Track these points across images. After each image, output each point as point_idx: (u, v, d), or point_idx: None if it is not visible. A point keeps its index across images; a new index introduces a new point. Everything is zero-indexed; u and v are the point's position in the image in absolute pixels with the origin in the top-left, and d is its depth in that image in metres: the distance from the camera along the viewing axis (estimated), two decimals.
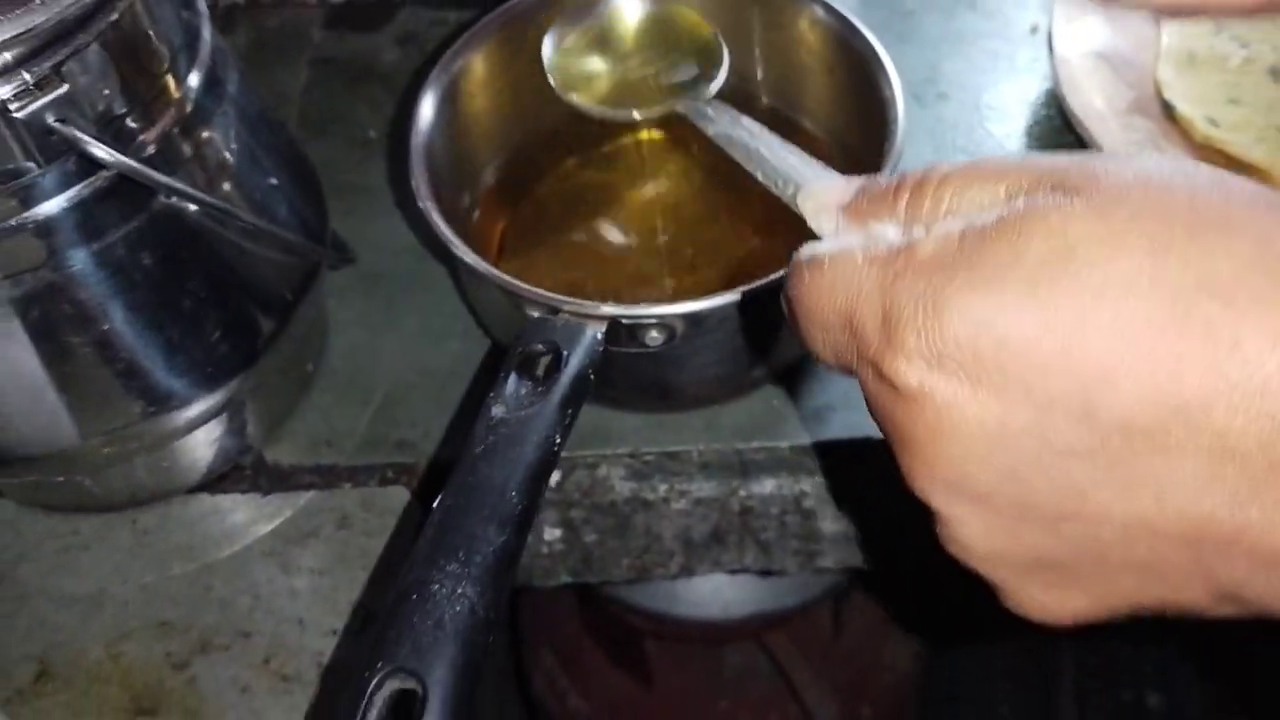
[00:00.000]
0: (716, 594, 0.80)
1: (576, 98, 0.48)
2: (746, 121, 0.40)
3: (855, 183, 0.31)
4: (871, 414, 0.28)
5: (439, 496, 0.37)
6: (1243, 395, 0.23)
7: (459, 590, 0.34)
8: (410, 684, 0.33)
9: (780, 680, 0.92)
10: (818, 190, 0.31)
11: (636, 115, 0.47)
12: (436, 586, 0.34)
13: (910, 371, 0.25)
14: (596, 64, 0.49)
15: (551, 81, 0.49)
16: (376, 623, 0.34)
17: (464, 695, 0.33)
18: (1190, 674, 1.07)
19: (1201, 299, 0.23)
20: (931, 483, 0.27)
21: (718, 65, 0.46)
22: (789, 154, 0.36)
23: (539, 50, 0.54)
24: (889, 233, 0.28)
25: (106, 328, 0.43)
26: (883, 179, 0.29)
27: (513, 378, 0.40)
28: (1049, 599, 0.28)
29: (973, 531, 0.27)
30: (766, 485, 0.52)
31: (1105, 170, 0.25)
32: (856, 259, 0.27)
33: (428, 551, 0.35)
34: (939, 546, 0.28)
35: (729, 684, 0.94)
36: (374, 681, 0.33)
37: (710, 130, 0.42)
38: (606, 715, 0.94)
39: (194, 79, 0.43)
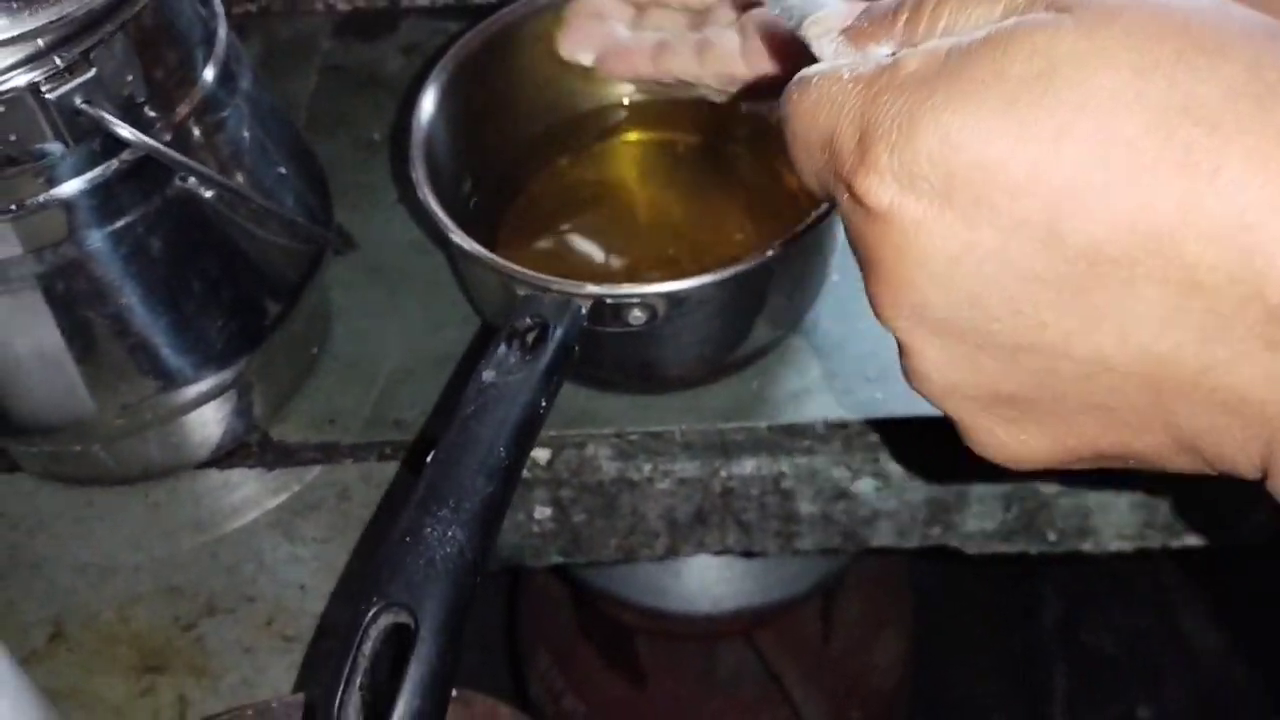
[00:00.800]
0: (706, 590, 0.83)
1: None
2: None
3: (859, 6, 0.30)
4: (848, 238, 0.28)
5: (432, 452, 0.40)
6: (1217, 226, 0.22)
7: (449, 534, 0.37)
8: (403, 618, 0.36)
9: (771, 682, 0.94)
10: (823, 15, 0.31)
11: None
12: (429, 530, 0.37)
13: (881, 190, 0.25)
14: None
15: None
16: (372, 564, 0.37)
17: (453, 629, 0.36)
18: (1180, 687, 1.08)
19: (1185, 123, 0.22)
20: (896, 308, 0.26)
21: None
22: None
23: (533, 54, 0.57)
24: (883, 53, 0.27)
25: (123, 304, 0.46)
26: (886, 1, 0.29)
27: (502, 347, 0.43)
28: (1009, 437, 0.27)
29: (933, 361, 0.27)
30: (747, 466, 0.55)
31: None
32: (842, 77, 0.27)
33: (421, 499, 0.38)
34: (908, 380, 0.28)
35: (721, 685, 0.96)
36: (369, 615, 0.35)
37: None
38: (601, 715, 0.96)
39: (209, 72, 0.46)
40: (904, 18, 0.27)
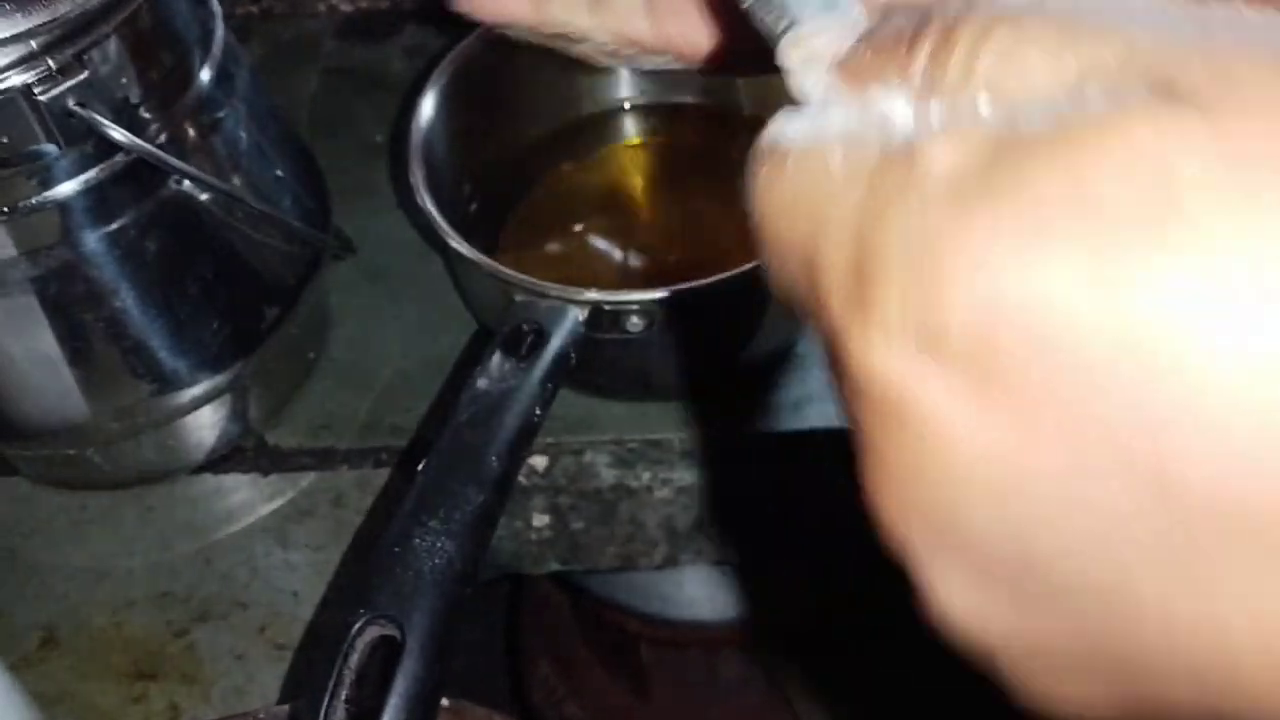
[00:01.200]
0: (709, 598, 0.82)
1: None
2: None
3: (860, 26, 0.21)
4: (835, 395, 0.19)
5: (424, 460, 0.39)
6: None
7: (439, 544, 0.37)
8: (390, 630, 0.35)
9: (775, 691, 0.94)
10: (809, 34, 0.21)
11: None
12: (418, 541, 0.37)
13: (888, 356, 0.17)
14: None
15: None
16: (359, 574, 0.37)
17: (441, 641, 0.35)
18: None
19: None
20: (905, 518, 0.18)
21: None
22: None
23: (534, 58, 0.57)
24: (894, 110, 0.18)
25: (117, 307, 0.46)
26: (898, 20, 0.19)
27: (497, 354, 0.43)
28: (1059, 691, 0.19)
29: (956, 595, 0.19)
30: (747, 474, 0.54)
31: (1247, 66, 0.15)
32: (833, 160, 0.18)
33: (411, 509, 0.37)
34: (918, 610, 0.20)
35: (723, 694, 0.95)
36: (356, 627, 0.35)
37: None
38: None
39: (206, 73, 0.46)
40: (924, 53, 0.18)
